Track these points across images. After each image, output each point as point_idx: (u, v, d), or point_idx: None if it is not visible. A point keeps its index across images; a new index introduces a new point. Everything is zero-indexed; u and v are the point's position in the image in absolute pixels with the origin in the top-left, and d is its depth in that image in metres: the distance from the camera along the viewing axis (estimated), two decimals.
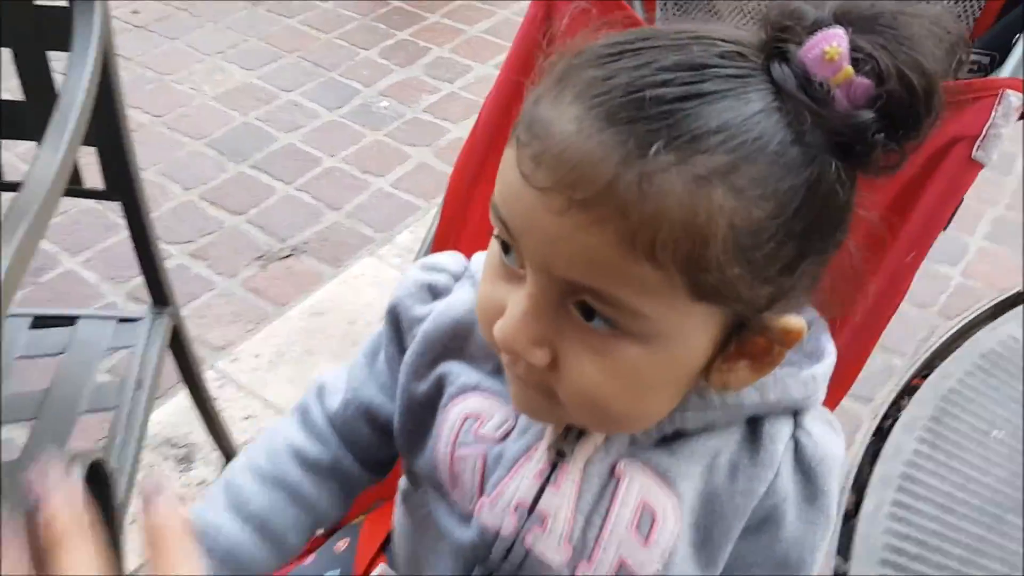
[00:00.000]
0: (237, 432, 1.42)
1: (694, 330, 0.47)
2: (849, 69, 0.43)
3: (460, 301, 0.62)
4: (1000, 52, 0.69)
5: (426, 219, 2.00)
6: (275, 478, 0.65)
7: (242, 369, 1.68)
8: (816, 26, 0.44)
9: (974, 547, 1.38)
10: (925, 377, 1.68)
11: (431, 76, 2.44)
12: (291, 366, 1.69)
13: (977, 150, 0.65)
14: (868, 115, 0.43)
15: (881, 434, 1.58)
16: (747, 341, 0.49)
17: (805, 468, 0.57)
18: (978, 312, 1.78)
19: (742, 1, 0.96)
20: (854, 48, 0.43)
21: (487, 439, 0.59)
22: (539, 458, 0.57)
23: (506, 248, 0.50)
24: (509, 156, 0.47)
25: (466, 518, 0.61)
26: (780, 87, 0.43)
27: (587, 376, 0.48)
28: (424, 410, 0.63)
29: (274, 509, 0.64)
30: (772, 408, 0.56)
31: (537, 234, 0.46)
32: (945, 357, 1.71)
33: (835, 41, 0.43)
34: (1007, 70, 0.66)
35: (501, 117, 0.95)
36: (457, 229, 0.97)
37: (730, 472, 0.56)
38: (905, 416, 1.61)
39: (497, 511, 0.58)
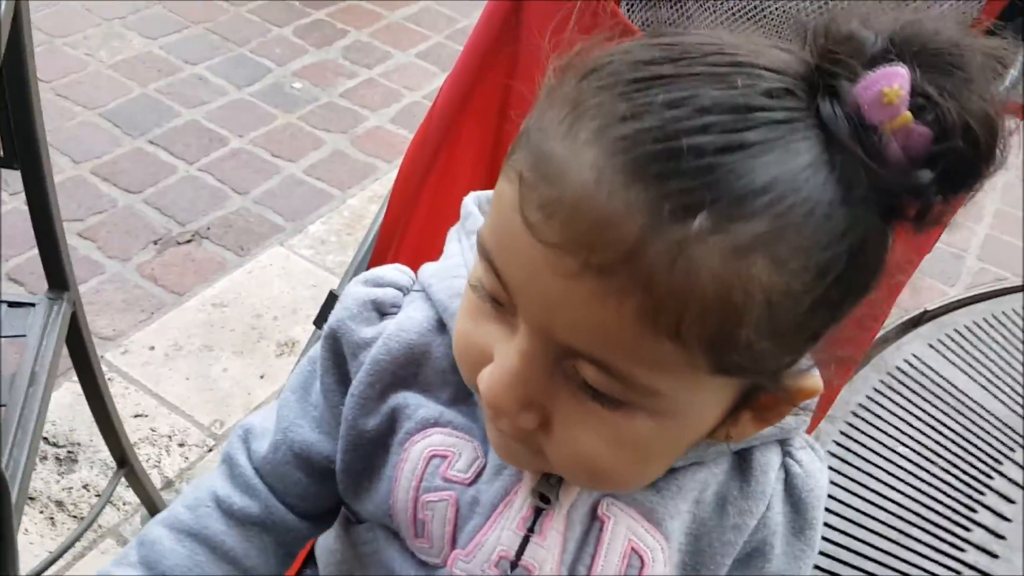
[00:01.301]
0: (127, 431, 1.29)
1: (708, 402, 0.43)
2: (908, 115, 0.37)
3: (413, 321, 0.54)
4: None
5: (341, 209, 1.91)
6: (195, 532, 0.56)
7: (133, 362, 1.54)
8: (875, 60, 0.38)
9: (882, 562, 1.41)
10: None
11: (348, 60, 2.33)
12: (188, 361, 1.56)
13: None
14: (927, 176, 0.37)
15: None
16: (756, 398, 0.45)
17: (795, 500, 0.54)
18: (884, 331, 1.83)
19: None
20: (915, 91, 0.37)
21: (457, 482, 0.52)
22: (521, 504, 0.51)
23: (494, 298, 0.43)
24: (507, 193, 0.40)
25: (426, 566, 0.54)
26: (830, 133, 0.37)
27: (584, 445, 0.43)
28: (374, 447, 0.55)
29: (193, 566, 0.55)
30: (763, 439, 0.53)
31: (539, 294, 0.39)
32: (852, 373, 1.76)
33: (896, 81, 0.37)
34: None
35: (458, 108, 0.89)
36: (404, 223, 0.90)
37: (718, 505, 0.53)
38: (816, 431, 1.64)
39: (475, 565, 0.51)
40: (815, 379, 0.44)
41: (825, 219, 0.37)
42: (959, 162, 0.37)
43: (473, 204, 0.57)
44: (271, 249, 1.80)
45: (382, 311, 0.55)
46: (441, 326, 0.54)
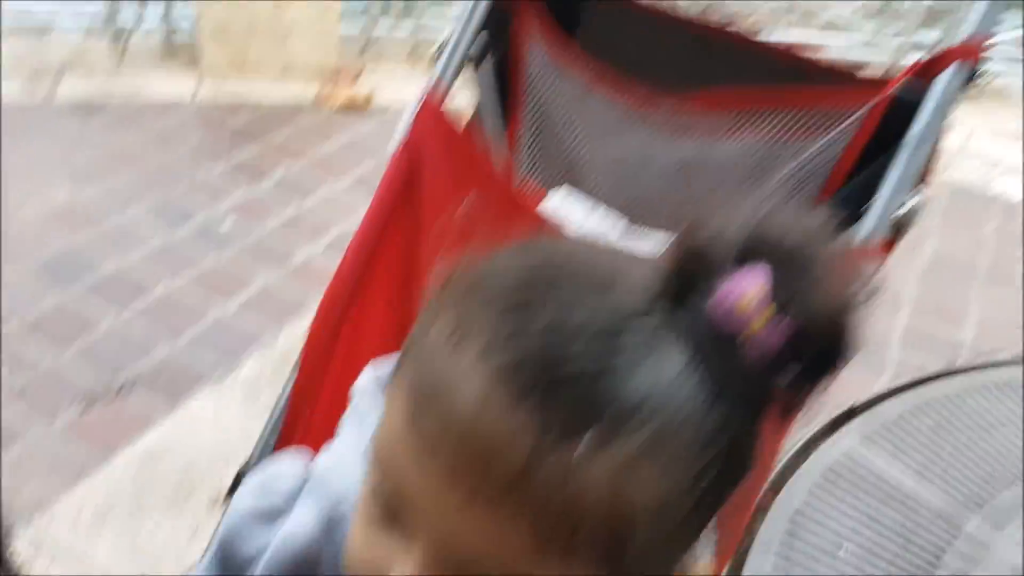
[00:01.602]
0: None
1: None
2: (763, 319, 0.39)
3: (301, 529, 0.54)
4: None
5: (273, 347, 1.91)
6: None
7: (60, 529, 1.50)
8: (730, 268, 0.40)
9: None
10: (776, 493, 1.73)
11: (277, 196, 2.37)
12: (117, 522, 1.52)
13: None
14: (789, 373, 0.40)
15: (738, 557, 1.60)
16: None
17: None
18: (816, 428, 1.87)
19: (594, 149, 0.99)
20: (770, 294, 0.39)
21: None
22: None
23: (388, 509, 0.43)
24: (397, 413, 0.41)
25: None
26: (693, 342, 0.40)
27: None
28: None
29: None
30: None
31: (433, 514, 0.40)
32: (790, 475, 1.78)
33: (749, 291, 0.39)
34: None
35: (366, 263, 0.93)
36: (317, 384, 0.92)
37: None
38: (760, 536, 1.64)
39: None
40: (704, 565, 0.46)
41: (700, 423, 0.39)
42: (818, 356, 0.40)
43: (371, 385, 0.58)
44: (201, 395, 1.78)
45: (271, 519, 0.55)
46: (332, 526, 0.54)
